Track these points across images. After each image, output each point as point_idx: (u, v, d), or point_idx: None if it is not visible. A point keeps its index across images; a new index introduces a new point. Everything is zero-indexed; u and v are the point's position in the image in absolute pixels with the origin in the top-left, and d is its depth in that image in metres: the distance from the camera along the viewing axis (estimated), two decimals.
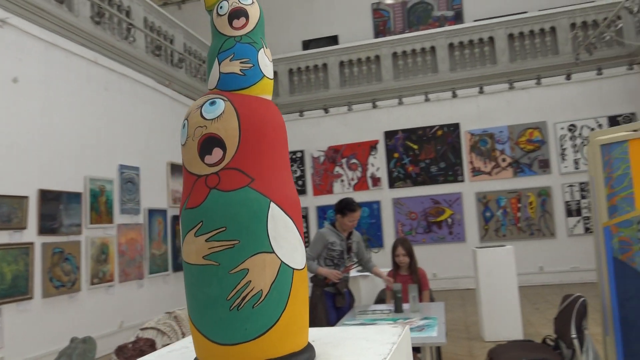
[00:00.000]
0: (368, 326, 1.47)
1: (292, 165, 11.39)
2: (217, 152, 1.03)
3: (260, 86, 1.13)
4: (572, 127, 10.00)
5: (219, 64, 1.13)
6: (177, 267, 8.46)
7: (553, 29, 10.41)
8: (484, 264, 6.04)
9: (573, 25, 10.26)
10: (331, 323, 4.39)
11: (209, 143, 1.03)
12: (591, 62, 9.90)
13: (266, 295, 1.02)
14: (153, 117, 8.26)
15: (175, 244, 8.46)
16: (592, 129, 9.84)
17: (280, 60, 11.60)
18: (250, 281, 1.01)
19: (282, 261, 1.02)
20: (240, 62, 1.12)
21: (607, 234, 3.80)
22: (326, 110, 11.23)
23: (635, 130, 3.66)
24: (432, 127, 10.71)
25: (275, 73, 11.68)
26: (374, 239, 10.62)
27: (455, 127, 10.60)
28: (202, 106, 1.07)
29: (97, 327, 6.30)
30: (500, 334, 5.70)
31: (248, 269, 1.01)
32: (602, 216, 3.80)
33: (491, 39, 10.70)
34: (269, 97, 1.14)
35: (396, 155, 10.80)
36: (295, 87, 11.69)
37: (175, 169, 8.59)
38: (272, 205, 1.03)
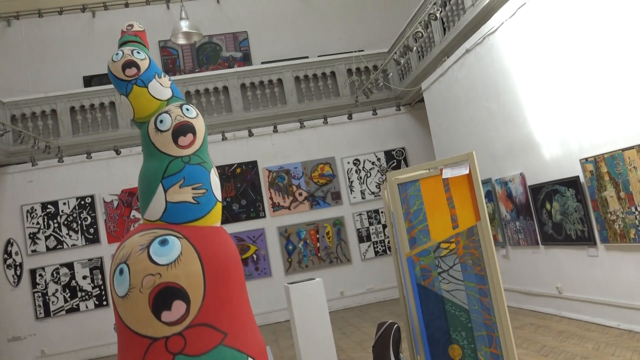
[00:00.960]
0: None
1: (81, 212, 10.29)
2: (178, 306, 0.82)
3: (214, 214, 0.98)
4: (356, 161, 11.11)
5: (165, 192, 0.94)
6: None
7: (333, 73, 11.50)
8: (297, 299, 6.24)
9: (350, 71, 11.50)
10: None
11: (167, 295, 0.82)
12: (368, 104, 11.21)
13: None
14: None
15: None
16: (373, 162, 11.09)
17: (61, 97, 10.49)
18: None
19: None
20: (193, 189, 0.96)
21: (410, 263, 4.29)
22: (117, 152, 10.48)
23: (429, 169, 4.26)
24: (231, 166, 10.80)
25: (54, 111, 10.51)
26: None
27: (254, 164, 10.88)
28: (149, 246, 0.86)
29: None
30: None
31: None
32: (404, 247, 4.28)
33: (280, 80, 11.33)
34: (219, 222, 1.00)
35: None
36: (80, 127, 10.67)
37: None
38: None
